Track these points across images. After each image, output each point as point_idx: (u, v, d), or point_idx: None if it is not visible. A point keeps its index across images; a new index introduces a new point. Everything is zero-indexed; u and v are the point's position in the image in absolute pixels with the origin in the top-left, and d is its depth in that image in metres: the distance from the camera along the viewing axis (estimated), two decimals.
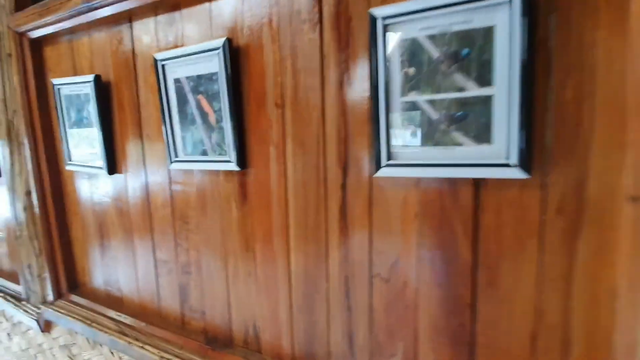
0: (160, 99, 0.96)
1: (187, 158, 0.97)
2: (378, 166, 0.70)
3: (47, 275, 1.36)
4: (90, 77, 1.09)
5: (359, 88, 0.73)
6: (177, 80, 0.94)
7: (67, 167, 1.25)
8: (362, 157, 0.74)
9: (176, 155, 0.99)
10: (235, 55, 0.85)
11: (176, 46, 0.96)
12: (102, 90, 1.10)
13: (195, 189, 1.00)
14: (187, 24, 0.93)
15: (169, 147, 0.99)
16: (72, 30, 1.15)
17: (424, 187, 0.69)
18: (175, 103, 0.96)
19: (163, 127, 0.98)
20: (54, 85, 1.20)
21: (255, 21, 0.83)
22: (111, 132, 1.13)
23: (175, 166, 0.99)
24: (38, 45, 1.26)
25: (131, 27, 1.04)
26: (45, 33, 1.19)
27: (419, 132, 0.67)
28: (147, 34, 1.01)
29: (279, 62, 0.81)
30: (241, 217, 0.93)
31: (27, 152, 1.30)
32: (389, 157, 0.70)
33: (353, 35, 0.72)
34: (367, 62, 0.71)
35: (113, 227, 1.22)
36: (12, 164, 1.33)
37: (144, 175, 1.10)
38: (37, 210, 1.32)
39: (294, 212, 0.85)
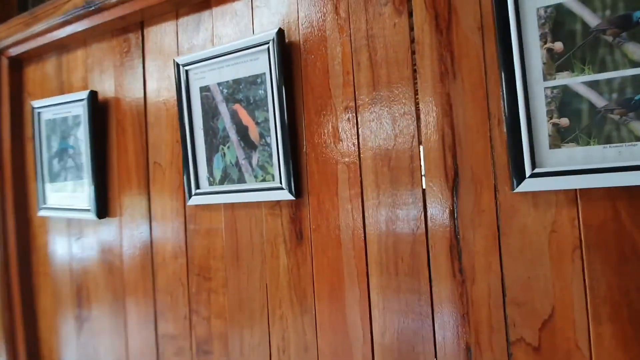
0: (180, 113, 0.75)
1: (213, 189, 0.73)
2: (520, 177, 0.50)
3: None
4: (84, 95, 0.87)
5: (473, 76, 0.55)
6: (205, 89, 0.73)
7: (41, 213, 0.97)
8: (482, 169, 0.54)
9: (197, 187, 0.75)
10: (287, 52, 0.66)
11: (204, 48, 0.77)
12: (98, 109, 0.88)
13: (223, 231, 0.74)
14: (219, 22, 0.75)
15: (187, 176, 0.75)
16: (63, 43, 0.95)
17: (587, 204, 0.48)
18: (200, 117, 0.74)
19: (182, 150, 0.75)
20: (33, 108, 0.96)
21: (314, 11, 0.66)
22: (105, 162, 0.89)
23: (196, 201, 0.74)
24: (18, 64, 1.05)
25: (142, 32, 0.85)
26: (29, 48, 0.98)
27: (576, 126, 0.48)
28: (164, 37, 0.82)
29: (350, 56, 0.63)
30: (294, 264, 0.67)
31: None
32: (534, 164, 0.49)
33: (456, 11, 0.56)
34: (482, 43, 0.54)
35: (97, 291, 0.91)
36: None
37: (148, 217, 0.83)
38: None
39: (376, 253, 0.61)
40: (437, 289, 0.57)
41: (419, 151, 0.58)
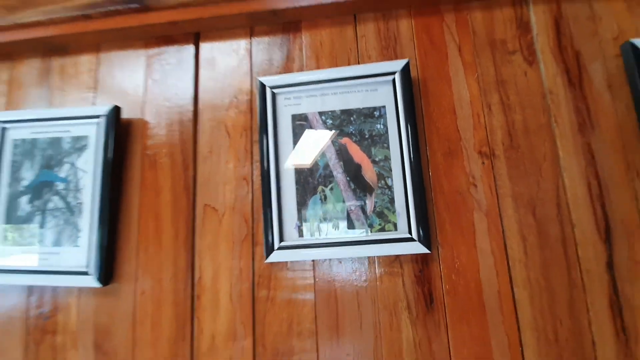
0: (263, 143, 0.60)
1: (304, 241, 0.57)
2: None
3: None
4: (103, 110, 0.64)
5: (610, 128, 0.57)
6: (298, 117, 0.61)
7: None
8: (632, 219, 0.54)
9: (281, 239, 0.58)
10: (410, 87, 0.61)
11: (287, 71, 0.66)
12: (117, 132, 0.65)
13: (314, 297, 0.58)
14: (311, 47, 0.66)
15: (267, 224, 0.58)
16: (55, 45, 0.72)
17: None
18: (290, 150, 0.60)
19: (263, 190, 0.59)
20: None
21: (435, 48, 0.63)
22: (117, 203, 0.64)
23: (279, 257, 0.57)
24: None
25: (197, 43, 0.70)
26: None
27: None
28: (231, 52, 0.68)
29: (480, 99, 0.60)
30: (423, 337, 0.54)
31: None
32: None
33: (585, 69, 0.60)
34: (612, 99, 0.57)
35: None
36: None
37: (189, 282, 0.60)
38: None
39: (529, 316, 0.53)
40: (601, 353, 0.51)
41: (566, 200, 0.56)
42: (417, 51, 0.64)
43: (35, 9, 0.68)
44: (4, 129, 0.67)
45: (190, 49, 0.70)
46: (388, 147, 0.59)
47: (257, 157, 0.63)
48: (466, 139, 0.60)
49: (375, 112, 0.60)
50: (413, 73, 0.63)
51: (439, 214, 0.58)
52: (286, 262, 0.59)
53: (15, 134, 0.67)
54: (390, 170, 0.58)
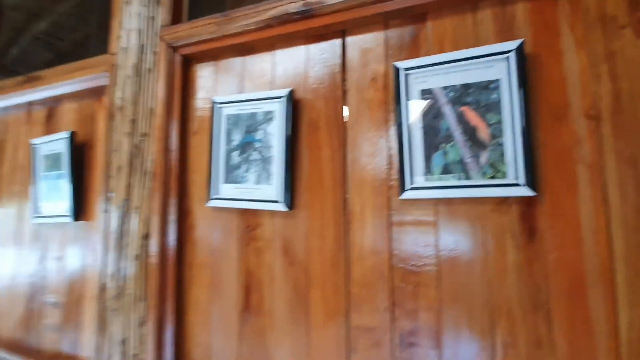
0: (398, 113, 0.81)
1: (430, 184, 0.78)
2: None
3: (146, 356, 0.99)
4: (283, 92, 0.93)
5: None
6: (426, 92, 0.81)
7: (211, 204, 1.00)
8: None
9: (412, 182, 0.80)
10: (522, 62, 0.74)
11: (415, 55, 0.85)
12: (293, 107, 0.94)
13: (437, 225, 0.79)
14: (437, 33, 0.84)
15: (402, 171, 0.80)
16: (247, 45, 1.03)
17: None
18: (419, 117, 0.81)
19: (398, 147, 0.81)
20: (214, 103, 1.02)
21: (551, 28, 0.75)
22: (295, 156, 0.94)
23: (410, 195, 0.79)
24: (188, 62, 1.12)
25: (344, 39, 0.93)
26: (207, 48, 1.06)
27: None
28: (369, 44, 0.90)
29: (588, 70, 0.71)
30: (525, 260, 0.71)
31: (151, 184, 1.05)
32: None
33: None
34: None
35: (272, 283, 0.93)
36: (126, 197, 1.06)
37: (342, 211, 0.87)
38: (154, 260, 1.01)
39: (623, 248, 0.65)
40: None
41: None
42: (531, 31, 0.76)
43: (235, 24, 1.00)
44: (220, 108, 1.02)
45: (338, 42, 0.94)
46: (500, 113, 0.74)
47: (391, 122, 0.85)
48: (574, 105, 0.71)
49: (490, 85, 0.76)
50: (527, 50, 0.76)
51: (544, 166, 0.72)
52: (415, 199, 0.81)
53: (227, 111, 1.02)
54: (502, 131, 0.74)
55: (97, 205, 1.22)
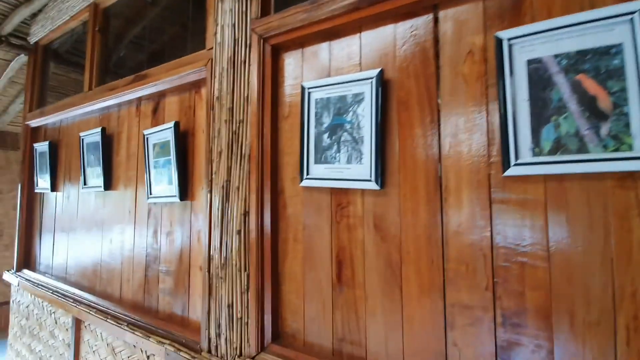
0: (502, 86, 0.78)
1: (538, 159, 0.74)
2: None
3: (248, 320, 1.11)
4: (372, 74, 0.95)
5: None
6: (533, 61, 0.76)
7: (304, 184, 1.07)
8: None
9: (517, 157, 0.77)
10: None
11: (518, 24, 0.80)
12: (383, 88, 0.95)
13: (543, 204, 0.75)
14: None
15: (506, 147, 0.77)
16: (333, 30, 1.06)
17: None
18: (524, 89, 0.77)
19: (501, 122, 0.78)
20: (304, 88, 1.08)
21: None
22: (384, 135, 0.95)
23: (516, 171, 0.76)
24: (277, 51, 1.19)
25: (435, 14, 0.91)
26: (295, 36, 1.11)
27: None
28: (465, 16, 0.87)
29: None
30: None
31: (248, 166, 1.15)
32: None
33: None
34: None
35: (363, 258, 0.97)
36: (227, 179, 1.18)
37: (438, 188, 0.87)
38: (253, 235, 1.11)
39: None
40: None
41: None
42: None
43: (324, 9, 1.03)
44: (309, 93, 1.08)
45: (429, 17, 0.92)
46: (625, 80, 0.67)
47: (492, 97, 0.82)
48: None
49: (612, 50, 0.69)
50: None
51: None
52: (519, 176, 0.78)
53: (316, 95, 1.07)
54: (627, 99, 0.67)
55: (200, 186, 1.38)
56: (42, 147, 2.26)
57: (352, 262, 1.00)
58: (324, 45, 1.11)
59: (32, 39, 2.46)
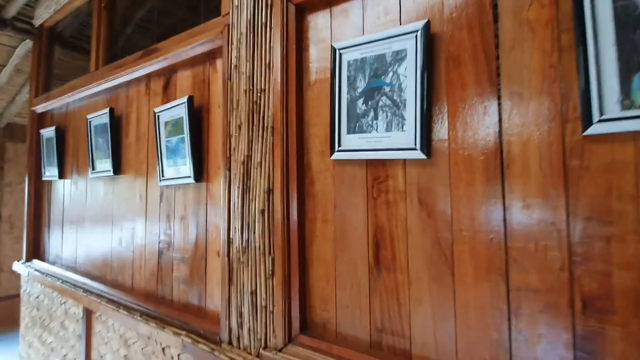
0: (577, 30, 0.65)
1: (629, 112, 0.62)
2: None
3: (274, 308, 1.00)
4: (417, 26, 0.83)
5: None
6: None
7: (336, 156, 0.95)
8: None
9: (601, 113, 0.64)
10: None
11: None
12: (429, 42, 0.83)
13: (633, 166, 0.63)
14: None
15: (587, 101, 0.65)
16: None
17: None
18: (611, 32, 0.64)
19: (582, 70, 0.65)
20: (335, 49, 0.96)
21: None
22: (430, 96, 0.83)
23: (598, 129, 0.64)
24: (301, 12, 1.07)
25: None
26: None
27: None
28: None
29: None
30: None
31: (272, 139, 1.03)
32: None
33: None
34: None
35: (406, 237, 0.86)
36: (248, 154, 1.07)
37: (498, 154, 0.75)
38: (279, 215, 1.00)
39: None
40: None
41: None
42: None
43: None
44: (341, 54, 0.96)
45: None
46: None
47: (565, 46, 0.70)
48: None
49: None
50: None
51: None
52: (603, 134, 0.66)
53: (349, 56, 0.95)
54: None
55: (217, 166, 1.27)
56: (48, 132, 2.17)
57: (392, 243, 0.89)
58: (356, 3, 0.99)
59: (37, 22, 2.37)
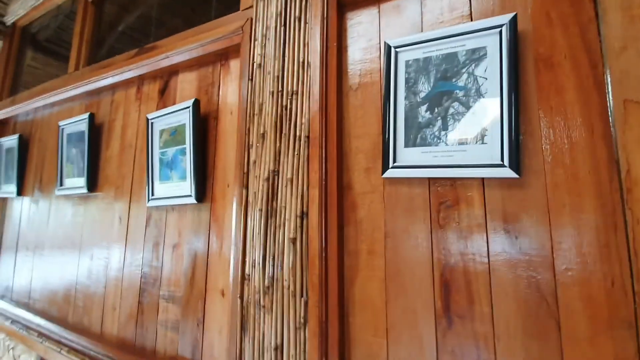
0: None
1: None
2: None
3: None
4: (502, 20, 0.69)
5: None
6: None
7: (390, 174, 0.77)
8: None
9: None
10: None
11: None
12: (515, 38, 0.69)
13: None
14: None
15: None
16: None
17: None
18: None
19: None
20: (391, 47, 0.81)
21: None
22: (518, 103, 0.69)
23: None
24: (341, 9, 0.92)
25: None
26: None
27: None
28: None
29: None
30: None
31: (307, 151, 0.84)
32: None
33: None
34: None
35: (488, 277, 0.68)
36: (274, 169, 0.87)
37: (610, 172, 0.60)
38: (315, 244, 0.79)
39: None
40: None
41: None
42: None
43: None
44: (397, 53, 0.81)
45: None
46: None
47: None
48: None
49: None
50: None
51: None
52: None
53: (408, 56, 0.80)
54: None
55: (226, 182, 1.05)
56: (9, 142, 1.85)
57: (467, 284, 0.70)
58: (399, 2, 0.85)
59: (9, 19, 2.10)
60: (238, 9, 1.10)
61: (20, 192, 1.78)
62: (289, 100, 0.90)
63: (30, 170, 1.78)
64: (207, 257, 1.06)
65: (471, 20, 0.77)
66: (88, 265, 1.40)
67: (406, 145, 0.78)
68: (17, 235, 1.79)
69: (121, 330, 1.23)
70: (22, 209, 1.78)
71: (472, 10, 0.78)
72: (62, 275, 1.49)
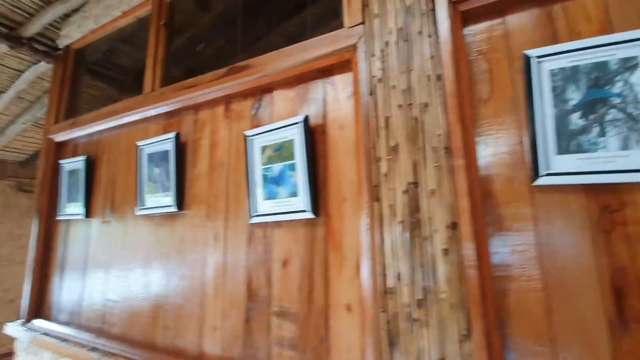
0: None
1: None
2: None
3: None
4: None
5: None
6: None
7: (541, 182, 0.79)
8: None
9: None
10: None
11: None
12: None
13: None
14: None
15: None
16: None
17: None
18: None
19: None
20: (529, 58, 0.83)
21: None
22: None
23: None
24: (465, 21, 0.95)
25: None
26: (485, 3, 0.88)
27: None
28: None
29: None
30: None
31: (448, 162, 0.86)
32: None
33: None
34: None
35: None
36: (414, 181, 0.88)
37: None
38: (470, 254, 0.80)
39: None
40: None
41: None
42: None
43: None
44: (538, 63, 0.83)
45: None
46: None
47: None
48: None
49: None
50: None
51: None
52: None
53: (551, 65, 0.82)
54: None
55: (342, 196, 1.06)
56: (73, 164, 1.86)
57: None
58: (551, 9, 0.88)
59: (63, 42, 2.13)
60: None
61: (88, 213, 1.78)
62: (419, 112, 0.91)
63: (98, 191, 1.79)
64: (327, 273, 1.06)
65: (613, 30, 0.80)
66: (177, 285, 1.40)
67: (559, 152, 0.79)
68: (84, 259, 1.78)
69: (226, 350, 1.21)
70: (91, 230, 1.78)
71: (612, 17, 0.80)
72: (146, 297, 1.48)
